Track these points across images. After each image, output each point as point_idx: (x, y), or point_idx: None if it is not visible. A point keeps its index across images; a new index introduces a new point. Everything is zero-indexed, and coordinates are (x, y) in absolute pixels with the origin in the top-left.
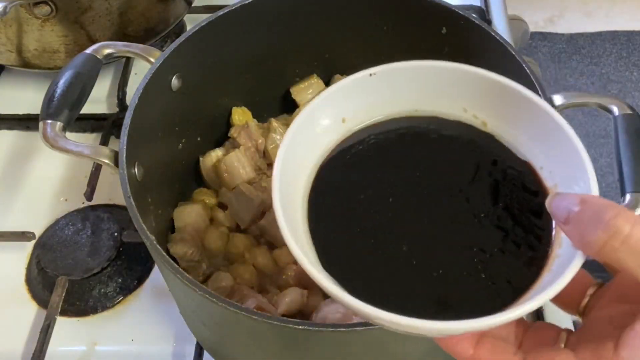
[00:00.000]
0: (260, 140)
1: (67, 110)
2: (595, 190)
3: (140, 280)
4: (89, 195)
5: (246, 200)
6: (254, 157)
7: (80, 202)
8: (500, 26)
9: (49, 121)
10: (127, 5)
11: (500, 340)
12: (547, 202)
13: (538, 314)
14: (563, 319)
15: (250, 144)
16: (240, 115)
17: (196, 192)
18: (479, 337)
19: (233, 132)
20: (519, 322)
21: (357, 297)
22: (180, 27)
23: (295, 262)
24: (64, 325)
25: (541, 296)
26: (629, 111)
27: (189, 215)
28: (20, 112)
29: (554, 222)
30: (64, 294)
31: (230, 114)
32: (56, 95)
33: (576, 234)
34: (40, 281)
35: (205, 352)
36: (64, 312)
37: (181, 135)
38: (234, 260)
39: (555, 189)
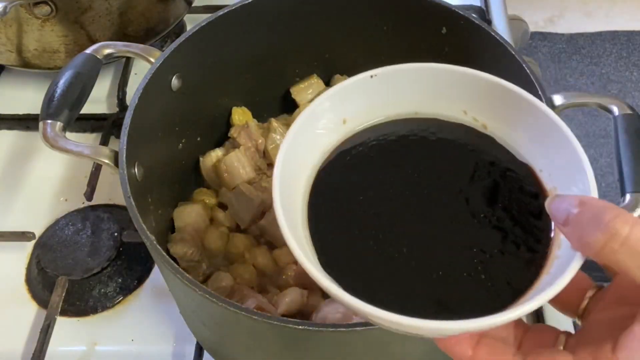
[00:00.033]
0: (260, 140)
1: (67, 110)
2: (594, 192)
3: (140, 280)
4: (89, 195)
5: (246, 200)
6: (254, 157)
7: (80, 202)
8: (500, 26)
9: (49, 121)
10: (127, 5)
11: (499, 342)
12: (547, 204)
13: (538, 315)
14: (563, 321)
15: (250, 144)
16: (240, 115)
17: (196, 192)
18: (478, 338)
19: (233, 132)
20: (519, 323)
21: (356, 297)
22: (180, 27)
23: (295, 262)
24: (64, 325)
25: (540, 297)
26: (629, 111)
27: (189, 215)
28: (20, 112)
29: (553, 224)
30: (64, 294)
31: (230, 114)
32: (56, 95)
33: (575, 235)
34: (40, 281)
35: (205, 352)
36: (64, 312)
37: (181, 135)
38: (234, 260)
39: (554, 191)
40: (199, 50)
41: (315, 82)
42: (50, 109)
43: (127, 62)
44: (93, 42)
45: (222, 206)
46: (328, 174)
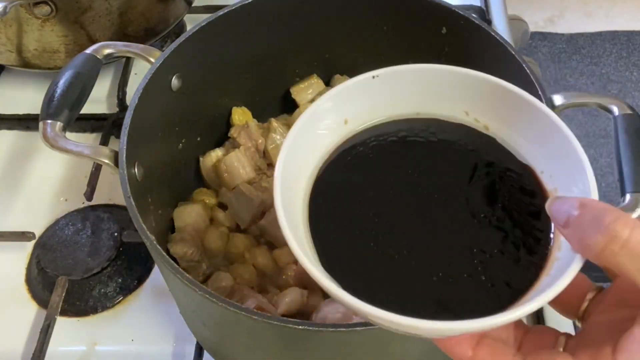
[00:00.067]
0: (260, 140)
1: (67, 110)
2: (595, 194)
3: (140, 280)
4: (89, 195)
5: (246, 200)
6: (254, 157)
7: (80, 202)
8: (500, 26)
9: (49, 121)
10: (127, 5)
11: (499, 342)
12: (547, 206)
13: (538, 316)
14: (563, 322)
15: (250, 144)
16: (240, 115)
17: (196, 192)
18: (478, 339)
19: (233, 132)
20: (519, 324)
21: (356, 297)
22: (180, 27)
23: (295, 262)
24: (64, 325)
25: (540, 298)
26: (629, 111)
27: (189, 215)
28: (20, 112)
29: (553, 225)
30: (64, 294)
31: (230, 114)
32: (56, 95)
33: (575, 237)
34: (40, 281)
35: (205, 352)
36: (64, 312)
37: (181, 135)
38: (234, 260)
39: (555, 192)
40: (199, 50)
41: (315, 82)
42: (50, 109)
43: (127, 62)
44: (93, 42)
45: (222, 206)
46: (329, 174)
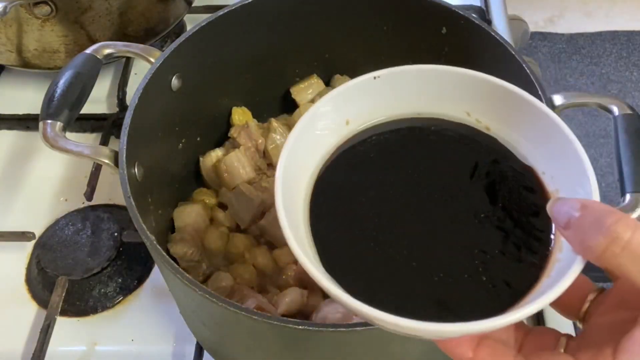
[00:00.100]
0: (260, 140)
1: (67, 110)
2: (596, 196)
3: (140, 280)
4: (89, 195)
5: (246, 200)
6: (254, 157)
7: (80, 202)
8: (500, 26)
9: (49, 121)
10: (127, 5)
11: (500, 344)
12: (548, 207)
13: (538, 318)
14: (563, 324)
15: (250, 144)
16: (240, 115)
17: (196, 192)
18: (479, 340)
19: (233, 132)
20: (519, 325)
21: (357, 298)
22: (180, 27)
23: (295, 262)
24: (64, 325)
25: (541, 300)
26: (629, 111)
27: (189, 215)
28: (20, 112)
29: (554, 227)
30: (64, 294)
31: (230, 114)
32: (56, 95)
33: (577, 239)
34: (40, 281)
35: (205, 352)
36: (64, 312)
37: (181, 135)
38: (234, 260)
39: (556, 193)
40: (199, 50)
41: (315, 82)
42: (50, 109)
43: (127, 62)
44: (93, 42)
45: (222, 206)
46: (330, 174)
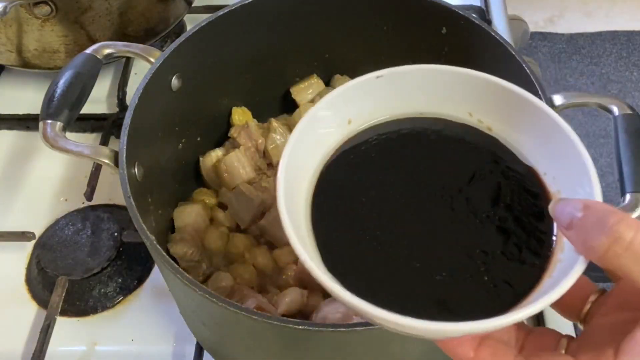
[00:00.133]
0: (260, 140)
1: (67, 110)
2: (598, 196)
3: (140, 280)
4: (89, 195)
5: (246, 200)
6: (254, 157)
7: (80, 202)
8: (500, 26)
9: (49, 121)
10: (127, 5)
11: (501, 344)
12: (550, 207)
13: (538, 319)
14: (564, 325)
15: (250, 144)
16: (240, 115)
17: (196, 192)
18: (480, 340)
19: (233, 132)
20: (520, 326)
21: (358, 297)
22: (180, 27)
23: (295, 262)
24: (64, 325)
25: (543, 300)
26: (629, 111)
27: (189, 215)
28: (20, 112)
29: (555, 227)
30: (64, 294)
31: (230, 114)
32: (56, 95)
33: (579, 239)
34: (40, 281)
35: (205, 352)
36: (64, 312)
37: (181, 135)
38: (234, 260)
39: (558, 194)
40: (199, 50)
41: (315, 82)
42: (50, 109)
43: (127, 62)
44: (93, 42)
45: (222, 206)
46: (331, 173)
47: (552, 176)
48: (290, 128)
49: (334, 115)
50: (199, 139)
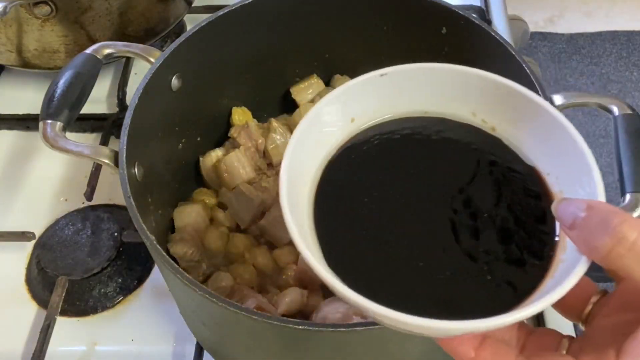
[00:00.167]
0: (260, 140)
1: (67, 110)
2: (602, 197)
3: (140, 280)
4: (89, 195)
5: (246, 200)
6: (254, 157)
7: (80, 202)
8: (500, 26)
9: (49, 121)
10: (127, 5)
11: (502, 344)
12: (553, 207)
13: (539, 319)
14: (564, 325)
15: (250, 144)
16: (240, 115)
17: (196, 192)
18: (481, 339)
19: (233, 132)
20: (522, 326)
21: (361, 295)
22: (180, 27)
23: (295, 262)
24: (64, 325)
25: (545, 299)
26: (629, 111)
27: (189, 215)
28: (20, 112)
29: (558, 227)
30: (64, 294)
31: (230, 114)
32: (56, 95)
33: (582, 239)
34: (40, 281)
35: (205, 352)
36: (64, 312)
37: (181, 135)
38: (234, 260)
39: (561, 194)
40: (199, 50)
41: (315, 82)
42: (50, 109)
43: (127, 62)
44: (93, 42)
45: (222, 206)
46: (334, 171)
47: (555, 176)
48: (290, 128)
49: (338, 112)
50: (199, 139)
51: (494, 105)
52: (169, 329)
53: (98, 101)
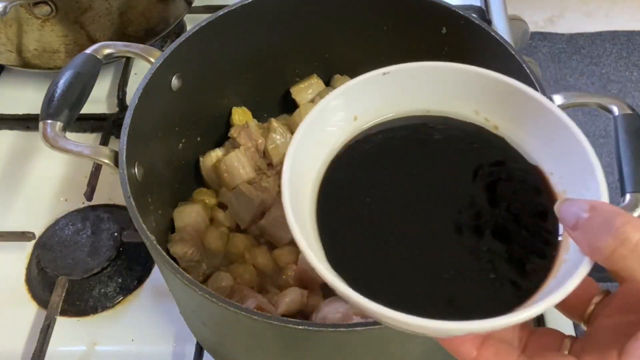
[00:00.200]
0: (260, 140)
1: (67, 110)
2: (605, 197)
3: (140, 280)
4: (89, 195)
5: (246, 200)
6: (254, 157)
7: (80, 202)
8: (500, 26)
9: (49, 121)
10: (127, 5)
11: (504, 343)
12: (556, 207)
13: (539, 319)
14: (564, 325)
15: (250, 144)
16: (240, 115)
17: (196, 192)
18: (483, 339)
19: (233, 132)
20: (524, 326)
21: (363, 295)
22: (180, 27)
23: (295, 262)
24: (64, 325)
25: (548, 300)
26: (629, 111)
27: (189, 215)
28: (20, 112)
29: (561, 227)
30: (64, 294)
31: (230, 114)
32: (56, 95)
33: (585, 240)
34: (40, 281)
35: (205, 352)
36: (64, 312)
37: (181, 135)
38: (234, 260)
39: (564, 194)
40: (199, 50)
41: (315, 82)
42: (50, 109)
43: (127, 62)
44: (93, 42)
45: (222, 206)
46: (336, 171)
47: (559, 176)
48: (290, 128)
49: (340, 111)
50: (199, 139)
51: (496, 104)
52: (169, 329)
53: (98, 101)
